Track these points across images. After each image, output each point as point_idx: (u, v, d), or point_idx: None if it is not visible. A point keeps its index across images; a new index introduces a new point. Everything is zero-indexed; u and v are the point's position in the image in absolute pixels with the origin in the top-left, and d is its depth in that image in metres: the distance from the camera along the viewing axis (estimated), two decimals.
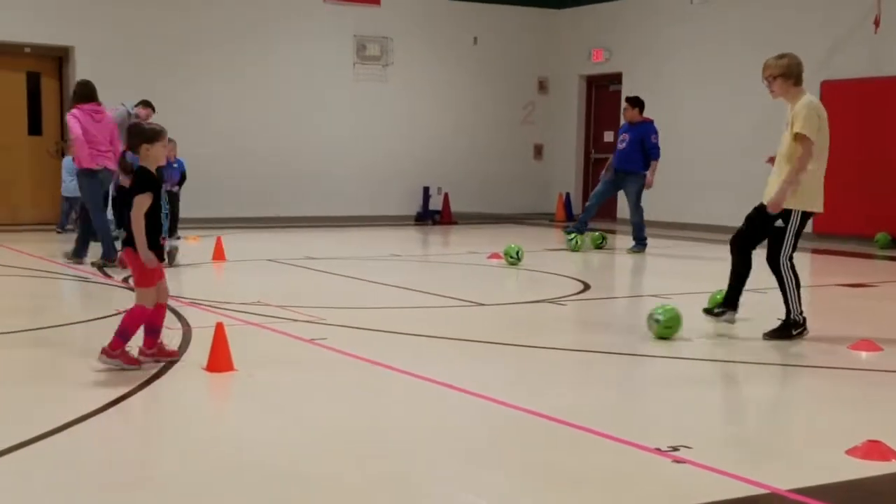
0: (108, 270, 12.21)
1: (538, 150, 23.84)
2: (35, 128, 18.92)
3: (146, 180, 6.97)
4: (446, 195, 21.98)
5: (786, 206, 8.33)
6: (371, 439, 5.48)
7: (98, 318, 9.14)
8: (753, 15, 19.18)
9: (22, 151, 18.53)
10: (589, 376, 7.40)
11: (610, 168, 16.05)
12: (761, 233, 8.65)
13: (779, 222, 8.38)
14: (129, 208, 6.95)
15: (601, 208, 16.62)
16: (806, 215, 8.42)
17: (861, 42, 17.31)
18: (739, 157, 19.16)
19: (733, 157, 19.36)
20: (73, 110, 12.79)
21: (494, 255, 13.99)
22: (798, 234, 8.45)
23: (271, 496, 4.58)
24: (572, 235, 15.66)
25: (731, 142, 19.47)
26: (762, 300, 9.81)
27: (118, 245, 13.45)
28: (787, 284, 8.45)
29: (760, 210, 8.60)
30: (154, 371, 6.81)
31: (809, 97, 8.44)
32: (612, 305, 11.07)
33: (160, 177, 7.10)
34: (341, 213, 21.11)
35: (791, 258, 8.46)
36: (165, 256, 7.08)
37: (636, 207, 15.61)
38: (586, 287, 11.62)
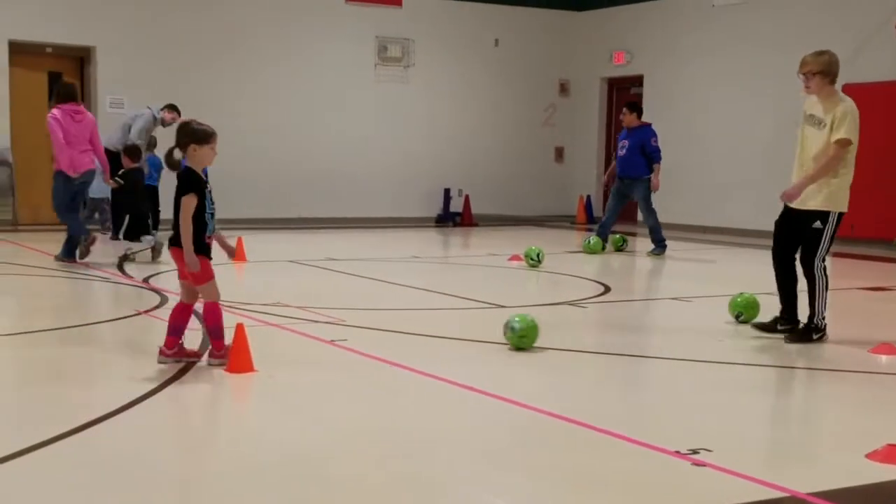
0: (130, 272, 12.23)
1: (559, 153, 23.82)
2: None
3: (191, 181, 6.99)
4: (467, 197, 21.98)
5: (825, 207, 8.30)
6: (391, 440, 5.48)
7: (119, 319, 9.19)
8: (775, 17, 19.13)
9: (43, 151, 18.53)
10: (609, 379, 7.39)
11: (613, 176, 16.09)
12: (797, 238, 8.59)
13: (816, 224, 8.34)
14: (176, 210, 6.98)
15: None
16: (841, 217, 8.39)
17: (883, 45, 17.24)
18: (760, 159, 19.13)
19: (754, 159, 19.33)
20: (53, 111, 12.82)
21: (515, 258, 13.98)
22: (833, 237, 8.41)
23: (292, 496, 4.59)
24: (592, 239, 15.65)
25: (752, 144, 19.42)
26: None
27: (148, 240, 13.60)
28: (818, 287, 8.40)
29: (792, 215, 8.54)
30: (174, 372, 6.83)
31: (850, 101, 8.36)
32: (633, 308, 11.05)
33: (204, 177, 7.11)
34: (362, 214, 21.14)
35: (824, 261, 8.42)
36: (210, 252, 7.11)
37: (649, 211, 15.59)
38: (607, 290, 11.60)
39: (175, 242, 7.04)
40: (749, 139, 19.52)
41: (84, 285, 11.63)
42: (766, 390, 7.02)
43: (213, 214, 7.11)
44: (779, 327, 8.70)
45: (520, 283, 12.65)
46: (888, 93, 17.08)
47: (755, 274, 13.67)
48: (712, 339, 8.64)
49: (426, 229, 20.73)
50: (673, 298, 10.90)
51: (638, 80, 22.27)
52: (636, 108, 16.16)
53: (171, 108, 16.63)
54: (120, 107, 18.63)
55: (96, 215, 17.30)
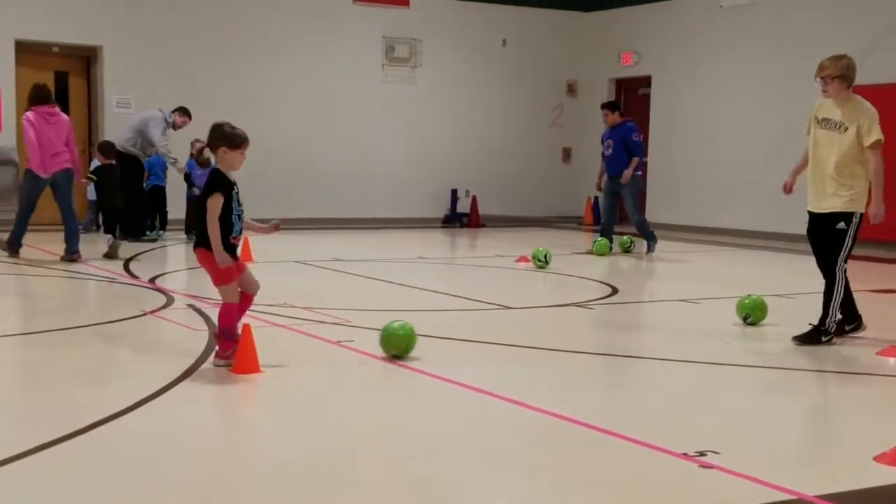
0: (136, 272, 12.24)
1: (567, 154, 23.81)
2: None
3: (218, 181, 7.02)
4: (474, 198, 21.97)
5: (849, 209, 8.30)
6: (396, 441, 5.48)
7: (125, 319, 9.18)
8: (783, 18, 19.10)
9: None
10: (616, 380, 7.38)
11: (602, 177, 16.12)
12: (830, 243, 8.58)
13: (840, 224, 8.32)
14: (201, 211, 7.01)
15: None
16: (862, 217, 8.38)
17: (892, 46, 17.18)
18: (768, 160, 19.08)
19: (762, 160, 19.28)
20: (28, 113, 13.08)
21: (522, 259, 13.97)
22: (856, 238, 8.39)
23: (298, 498, 4.58)
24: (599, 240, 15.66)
25: (760, 145, 19.39)
26: (790, 305, 9.75)
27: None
28: (836, 290, 8.38)
29: (819, 222, 8.52)
30: (180, 372, 6.82)
31: (870, 104, 8.37)
32: (640, 310, 11.04)
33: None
34: (369, 214, 21.14)
35: (846, 262, 8.39)
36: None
37: (634, 209, 15.65)
38: (614, 291, 11.59)
39: (201, 243, 7.03)
40: (757, 140, 19.49)
41: (89, 286, 11.64)
42: (773, 392, 6.99)
43: (239, 216, 7.13)
44: (846, 328, 8.69)
45: (527, 285, 12.65)
46: None
47: (763, 275, 13.70)
48: (720, 341, 8.63)
49: (433, 230, 20.73)
50: (680, 300, 10.88)
51: (646, 81, 22.25)
52: (616, 106, 16.33)
53: (183, 112, 16.65)
54: (127, 107, 18.65)
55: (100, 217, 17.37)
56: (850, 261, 8.64)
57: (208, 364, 7.08)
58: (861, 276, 10.67)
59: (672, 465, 5.08)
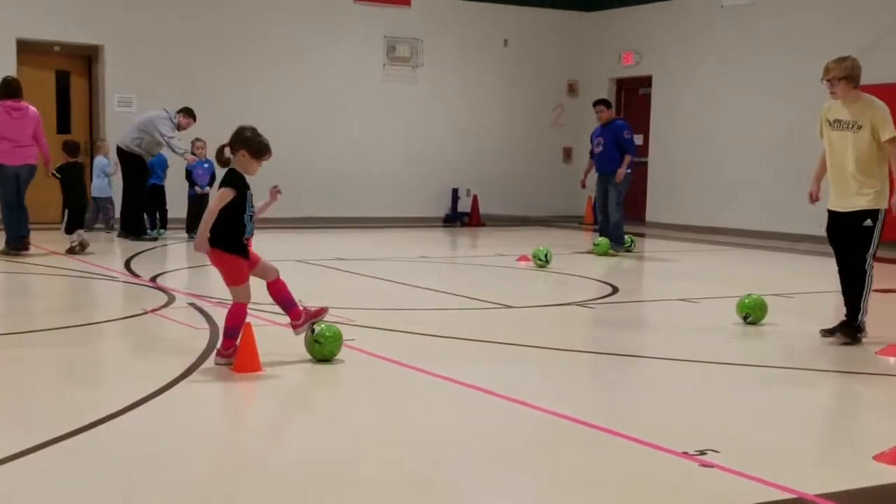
0: (137, 271, 12.24)
1: (567, 153, 23.80)
2: (64, 127, 18.99)
3: (234, 178, 7.06)
4: (475, 197, 21.97)
5: (874, 206, 8.37)
6: (399, 440, 5.49)
7: (126, 318, 9.20)
8: (783, 18, 19.09)
9: (51, 150, 18.55)
10: (616, 379, 7.38)
11: (587, 175, 16.14)
12: (851, 242, 8.60)
13: (867, 222, 8.37)
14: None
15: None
16: (885, 213, 8.42)
17: (893, 46, 17.16)
18: (769, 160, 19.12)
19: (763, 160, 19.31)
20: None
21: (523, 258, 13.98)
22: (881, 234, 8.43)
23: (298, 497, 4.59)
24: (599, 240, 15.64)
25: (761, 145, 19.39)
26: (790, 305, 9.76)
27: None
28: (866, 286, 8.45)
29: (840, 221, 8.54)
30: (181, 371, 6.83)
31: (879, 101, 8.42)
32: (640, 309, 11.05)
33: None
34: (370, 214, 21.14)
35: (874, 258, 8.42)
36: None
37: (617, 207, 15.60)
38: (615, 290, 11.60)
39: (214, 244, 7.05)
40: (757, 140, 19.48)
41: (90, 284, 11.65)
42: (773, 391, 7.00)
43: (251, 217, 7.15)
44: (859, 336, 8.70)
45: (528, 284, 12.66)
46: None
47: (763, 275, 13.70)
48: (720, 341, 8.64)
49: (434, 229, 20.73)
50: (680, 299, 10.89)
51: (646, 81, 22.25)
52: (609, 103, 16.35)
53: (188, 113, 16.64)
54: (128, 105, 18.66)
55: (100, 214, 17.39)
56: None
57: (209, 363, 7.09)
58: None
59: (672, 464, 5.09)
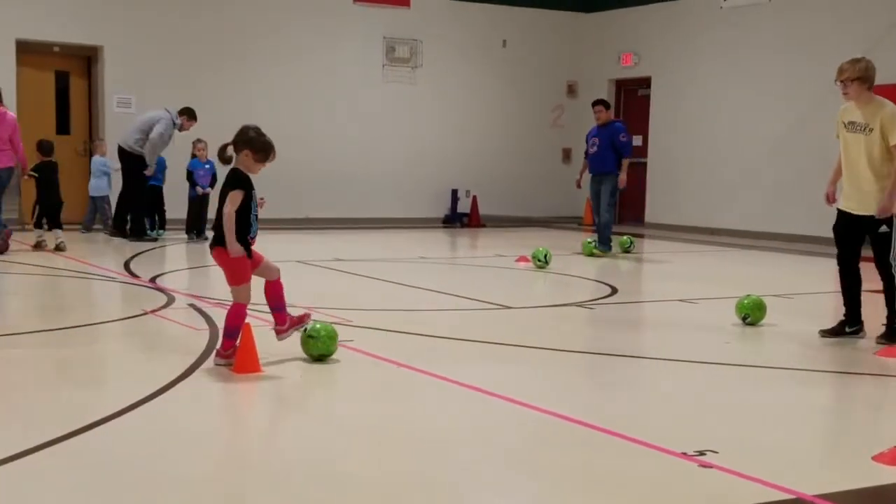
0: (136, 271, 12.25)
1: (566, 154, 23.79)
2: (63, 127, 19.01)
3: (239, 178, 7.07)
4: (474, 198, 21.98)
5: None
6: (397, 441, 5.48)
7: (125, 318, 9.20)
8: (783, 19, 19.10)
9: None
10: (615, 380, 7.38)
11: (583, 175, 16.13)
12: (857, 243, 8.69)
13: (883, 228, 8.41)
14: (220, 209, 7.05)
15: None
16: None
17: (893, 46, 17.16)
18: (769, 160, 19.12)
19: (762, 160, 19.31)
20: None
21: (522, 259, 13.98)
22: None
23: (298, 497, 4.59)
24: (590, 241, 15.61)
25: (760, 145, 19.40)
26: (789, 305, 9.76)
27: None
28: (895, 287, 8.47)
29: (850, 221, 8.57)
30: (181, 372, 6.83)
31: (892, 104, 8.43)
32: (639, 310, 11.05)
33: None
34: (369, 214, 21.14)
35: None
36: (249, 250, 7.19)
37: (608, 207, 15.58)
38: (614, 291, 11.60)
39: (218, 242, 7.06)
40: (757, 140, 19.48)
41: (90, 285, 11.65)
42: (772, 392, 7.00)
43: (256, 216, 7.17)
44: (847, 330, 8.77)
45: (527, 285, 12.66)
46: None
47: (762, 276, 13.71)
48: (719, 341, 8.65)
49: (434, 230, 20.73)
50: (679, 300, 10.89)
51: (646, 82, 22.25)
52: (608, 104, 16.33)
53: (189, 115, 16.64)
54: (127, 106, 18.66)
55: (97, 214, 17.39)
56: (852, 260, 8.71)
57: (209, 363, 7.09)
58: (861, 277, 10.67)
59: (671, 465, 5.09)
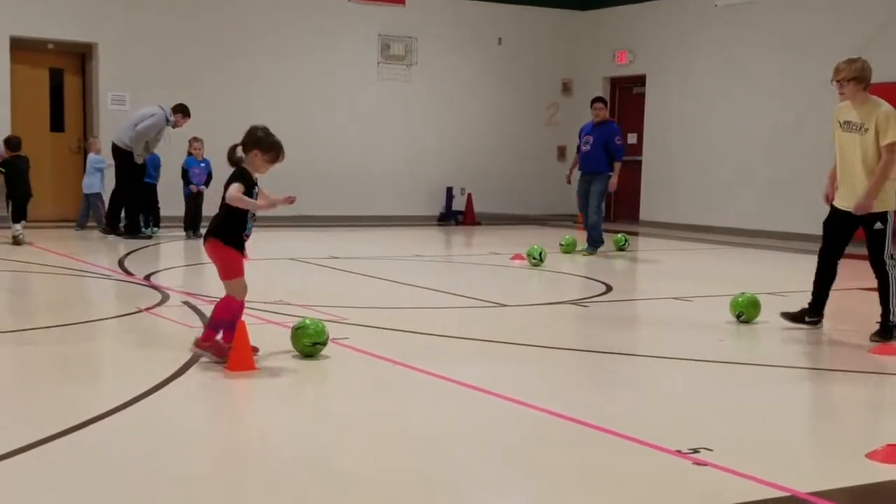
0: (131, 269, 12.24)
1: (561, 152, 23.78)
2: (57, 124, 19.01)
3: (242, 174, 7.10)
4: (469, 196, 21.97)
5: (883, 208, 8.45)
6: (393, 439, 5.48)
7: (120, 316, 9.19)
8: (778, 17, 19.11)
9: (44, 148, 18.57)
10: (610, 378, 7.38)
11: (573, 171, 16.13)
12: (844, 241, 8.79)
13: (878, 225, 8.47)
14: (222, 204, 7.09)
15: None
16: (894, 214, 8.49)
17: (887, 45, 17.14)
18: (764, 158, 19.14)
19: (757, 158, 19.34)
20: None
21: (517, 257, 13.98)
22: (893, 232, 8.49)
23: (295, 496, 4.59)
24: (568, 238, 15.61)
25: (755, 144, 19.42)
26: (784, 303, 9.77)
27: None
28: (891, 285, 8.51)
29: (842, 218, 8.61)
30: (175, 370, 6.83)
31: (886, 103, 8.47)
32: (634, 308, 11.05)
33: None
34: (364, 212, 21.13)
35: (893, 258, 8.47)
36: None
37: (598, 208, 15.51)
38: (608, 289, 11.60)
39: (215, 234, 7.07)
40: (752, 138, 19.50)
41: (84, 282, 11.65)
42: (766, 390, 7.01)
43: (253, 216, 7.16)
44: (806, 319, 8.89)
45: (522, 282, 12.66)
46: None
47: (757, 273, 13.73)
48: (713, 339, 8.66)
49: (429, 228, 20.74)
50: (674, 298, 10.90)
51: (640, 80, 22.25)
52: (607, 102, 16.34)
53: (184, 112, 16.62)
54: (122, 104, 18.65)
55: (90, 212, 17.37)
56: (844, 259, 8.74)
57: (204, 361, 7.09)
58: (853, 274, 10.71)
59: (666, 463, 5.09)
